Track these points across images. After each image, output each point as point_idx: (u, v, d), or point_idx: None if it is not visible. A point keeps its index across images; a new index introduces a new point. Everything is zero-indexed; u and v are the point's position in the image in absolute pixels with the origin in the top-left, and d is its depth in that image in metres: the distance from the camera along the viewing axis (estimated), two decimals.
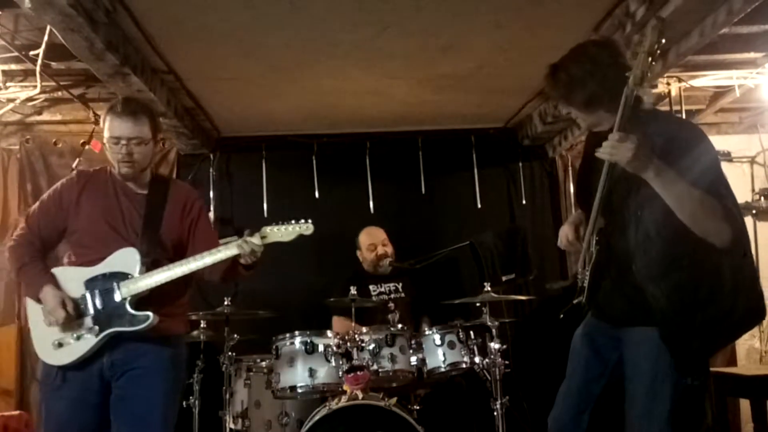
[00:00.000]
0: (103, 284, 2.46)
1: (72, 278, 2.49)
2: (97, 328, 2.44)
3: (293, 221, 2.59)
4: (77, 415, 2.45)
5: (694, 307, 1.97)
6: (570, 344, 2.44)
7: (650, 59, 1.86)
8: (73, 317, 2.42)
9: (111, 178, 2.62)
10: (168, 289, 2.51)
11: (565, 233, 2.36)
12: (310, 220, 2.59)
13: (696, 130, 2.18)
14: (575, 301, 2.34)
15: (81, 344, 2.44)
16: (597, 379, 2.27)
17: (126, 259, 2.47)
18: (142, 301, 2.46)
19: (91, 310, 2.45)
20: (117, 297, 2.44)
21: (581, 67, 2.12)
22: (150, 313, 2.43)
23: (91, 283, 2.47)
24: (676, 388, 2.03)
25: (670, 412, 2.03)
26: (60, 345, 2.45)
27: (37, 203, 2.63)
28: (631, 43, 2.99)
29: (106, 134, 2.54)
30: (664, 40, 1.86)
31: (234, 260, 2.55)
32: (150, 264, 2.48)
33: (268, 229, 2.56)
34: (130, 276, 2.45)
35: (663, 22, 1.89)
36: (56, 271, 2.53)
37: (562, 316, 2.48)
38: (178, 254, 2.57)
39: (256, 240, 2.50)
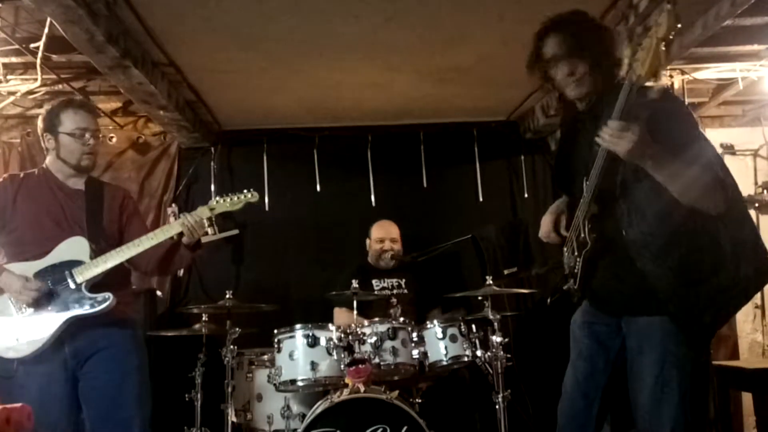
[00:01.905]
0: (54, 274, 2.51)
1: (20, 273, 2.52)
2: (55, 315, 2.47)
3: (239, 192, 2.76)
4: (48, 409, 2.46)
5: (700, 281, 1.97)
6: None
7: (663, 46, 1.78)
8: (43, 290, 2.47)
9: (45, 178, 2.68)
10: (116, 276, 2.60)
11: (544, 223, 2.36)
12: (252, 189, 2.78)
13: (677, 100, 2.17)
14: (565, 288, 2.33)
15: (41, 333, 2.46)
16: (603, 369, 2.26)
17: (75, 247, 2.54)
18: (95, 287, 2.53)
19: (46, 299, 2.48)
20: (72, 284, 2.49)
21: (586, 22, 2.13)
22: (109, 294, 2.50)
23: (41, 275, 2.50)
24: (683, 373, 2.03)
25: (680, 398, 2.03)
26: (18, 338, 2.46)
27: None
28: (635, 34, 2.97)
29: (68, 127, 2.62)
30: (680, 25, 1.77)
31: (176, 243, 2.65)
32: (98, 251, 2.55)
33: (214, 201, 2.70)
34: (82, 262, 2.51)
35: (676, 5, 1.81)
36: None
37: (549, 301, 2.47)
38: (120, 245, 2.64)
39: (203, 212, 2.63)
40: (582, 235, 2.18)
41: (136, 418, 2.56)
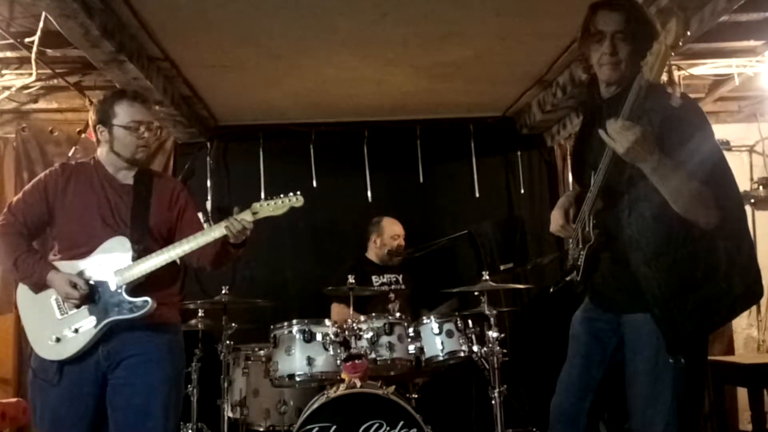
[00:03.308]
0: (96, 275, 2.44)
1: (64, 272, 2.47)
2: (94, 318, 2.41)
3: (282, 195, 2.58)
4: (73, 410, 2.42)
5: (689, 288, 1.95)
6: (567, 331, 2.44)
7: (671, 53, 1.79)
8: (88, 294, 2.40)
9: (96, 170, 2.60)
10: (160, 276, 2.50)
11: (555, 218, 2.36)
12: (299, 192, 2.58)
13: (695, 107, 2.13)
14: (568, 279, 2.33)
15: (80, 337, 2.41)
16: (598, 365, 2.25)
17: (117, 247, 2.46)
18: (136, 288, 2.45)
19: (87, 301, 2.42)
20: (112, 286, 2.43)
21: (641, 12, 2.11)
22: (148, 299, 2.41)
23: (84, 275, 2.44)
24: (677, 372, 2.02)
25: (673, 397, 2.02)
26: (58, 339, 2.42)
27: (20, 193, 2.60)
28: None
29: (123, 120, 2.53)
30: (689, 33, 1.80)
31: (223, 241, 2.54)
32: (141, 252, 2.47)
33: (258, 205, 2.55)
34: (123, 264, 2.44)
35: (686, 12, 1.81)
36: None
37: (552, 290, 2.47)
38: (167, 243, 2.55)
39: (247, 216, 2.50)
40: (587, 229, 2.19)
41: (161, 429, 2.47)
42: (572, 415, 2.29)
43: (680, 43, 1.78)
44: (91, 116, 2.61)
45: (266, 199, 2.57)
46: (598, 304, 2.29)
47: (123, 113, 2.53)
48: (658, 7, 2.90)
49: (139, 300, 2.42)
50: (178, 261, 2.57)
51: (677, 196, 1.91)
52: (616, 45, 2.07)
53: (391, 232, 4.40)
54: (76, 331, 2.41)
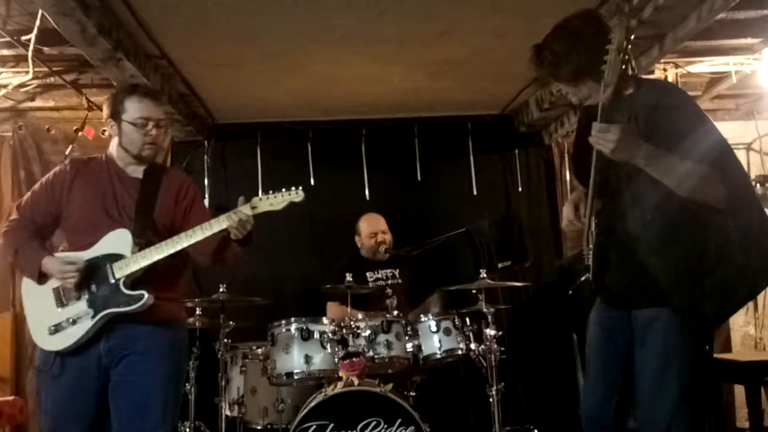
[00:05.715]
0: (97, 267, 2.43)
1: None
2: (92, 311, 2.40)
3: (284, 189, 2.51)
4: (76, 402, 2.43)
5: (704, 271, 1.97)
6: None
7: (622, 56, 1.88)
8: (83, 272, 2.39)
9: (106, 164, 2.60)
10: (163, 271, 2.49)
11: (565, 213, 2.37)
12: (300, 187, 2.51)
13: (679, 94, 2.17)
14: (582, 279, 2.34)
15: (77, 328, 2.41)
16: (613, 362, 2.26)
17: (118, 240, 2.45)
18: (137, 282, 2.43)
19: (86, 293, 2.42)
20: (111, 278, 2.41)
21: (564, 42, 2.13)
22: (144, 292, 2.39)
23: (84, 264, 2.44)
24: (685, 365, 2.04)
25: (680, 390, 2.04)
26: (56, 330, 2.42)
27: (29, 193, 2.61)
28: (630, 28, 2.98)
29: (131, 115, 2.52)
30: (633, 36, 1.89)
31: (226, 238, 2.50)
32: (143, 246, 2.45)
33: (257, 199, 2.49)
34: (123, 257, 2.43)
35: (628, 17, 1.93)
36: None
37: (570, 292, 2.49)
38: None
39: (246, 210, 2.45)
40: (591, 228, 2.22)
41: (159, 428, 2.45)
42: (598, 415, 2.29)
43: (627, 46, 1.89)
44: (104, 110, 2.61)
45: (266, 193, 2.51)
46: (608, 302, 2.31)
47: (132, 109, 2.53)
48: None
49: (135, 293, 2.40)
50: (184, 256, 2.55)
51: (679, 181, 1.94)
52: (554, 85, 2.25)
53: (367, 231, 4.39)
54: (74, 322, 2.41)
